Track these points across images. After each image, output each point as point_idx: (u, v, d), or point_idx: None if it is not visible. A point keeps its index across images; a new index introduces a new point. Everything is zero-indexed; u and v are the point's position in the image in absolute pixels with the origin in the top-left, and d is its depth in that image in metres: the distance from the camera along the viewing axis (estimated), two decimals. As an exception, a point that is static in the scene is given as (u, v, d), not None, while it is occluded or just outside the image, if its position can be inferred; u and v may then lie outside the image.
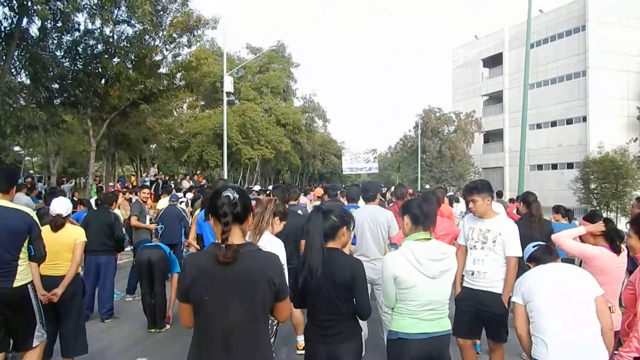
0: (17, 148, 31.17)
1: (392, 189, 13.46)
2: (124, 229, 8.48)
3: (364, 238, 5.06)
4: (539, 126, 44.10)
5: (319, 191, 11.50)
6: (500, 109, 49.42)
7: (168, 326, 6.55)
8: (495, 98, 50.46)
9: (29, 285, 3.81)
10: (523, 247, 4.14)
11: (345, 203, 8.14)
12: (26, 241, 3.78)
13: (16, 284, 3.67)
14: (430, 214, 3.03)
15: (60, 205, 4.64)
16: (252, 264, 2.16)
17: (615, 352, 4.28)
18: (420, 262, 2.86)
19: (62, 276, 4.38)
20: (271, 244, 3.79)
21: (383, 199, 10.48)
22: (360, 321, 3.04)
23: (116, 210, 8.50)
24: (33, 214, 3.90)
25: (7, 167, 3.98)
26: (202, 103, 39.35)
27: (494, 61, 50.13)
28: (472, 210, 4.19)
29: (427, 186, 37.43)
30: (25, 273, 3.77)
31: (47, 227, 4.40)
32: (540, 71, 42.32)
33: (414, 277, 2.86)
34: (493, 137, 51.29)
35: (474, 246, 4.21)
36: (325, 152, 53.01)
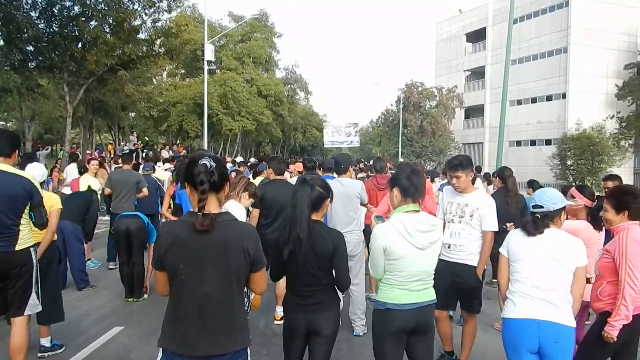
0: (-10, 112, 30.38)
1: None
2: (100, 197, 8.40)
3: (334, 211, 5.07)
4: (519, 102, 44.45)
5: (299, 166, 10.90)
6: (481, 85, 49.57)
7: (146, 296, 6.54)
8: (478, 73, 50.55)
9: (31, 249, 3.80)
10: (499, 221, 4.27)
11: (321, 174, 8.11)
12: (27, 207, 3.74)
13: (18, 247, 3.67)
14: (420, 186, 3.03)
15: (35, 172, 4.54)
16: (228, 234, 2.15)
17: (587, 322, 4.42)
18: (410, 234, 2.88)
19: (37, 243, 4.30)
20: (232, 208, 4.02)
21: (370, 172, 10.29)
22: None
23: (93, 178, 8.39)
24: (35, 180, 3.84)
25: (8, 130, 3.91)
26: (182, 71, 38.63)
27: (477, 36, 50.02)
28: (455, 186, 4.23)
29: (401, 159, 37.57)
30: (27, 237, 3.77)
31: None
32: (522, 47, 42.45)
33: (403, 248, 2.89)
34: (474, 112, 51.60)
35: (452, 220, 4.27)
36: (306, 124, 52.68)
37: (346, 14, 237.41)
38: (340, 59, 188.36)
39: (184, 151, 26.79)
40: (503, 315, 3.14)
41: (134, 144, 22.99)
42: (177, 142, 33.18)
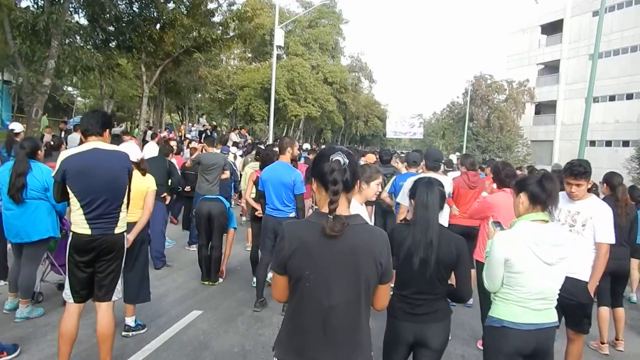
0: (70, 89, 31.83)
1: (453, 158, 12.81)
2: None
3: None
4: (595, 100, 41.80)
5: (371, 157, 10.41)
6: (555, 79, 47.05)
7: (221, 280, 6.56)
8: (551, 67, 48.03)
9: (124, 234, 3.69)
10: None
11: (403, 169, 7.83)
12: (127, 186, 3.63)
13: (117, 230, 3.57)
14: (554, 194, 2.71)
15: (132, 151, 4.45)
16: (359, 240, 1.92)
17: None
18: (539, 245, 2.60)
19: (134, 223, 4.31)
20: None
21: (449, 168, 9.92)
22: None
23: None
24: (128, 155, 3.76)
25: (100, 110, 3.78)
26: (250, 55, 39.06)
27: (553, 28, 47.42)
28: (573, 195, 3.88)
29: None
30: (123, 221, 3.64)
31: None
32: (602, 41, 39.75)
33: (528, 261, 2.61)
34: (545, 108, 49.15)
35: (560, 228, 3.93)
36: (369, 113, 52.26)
37: (414, 2, 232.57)
38: (405, 48, 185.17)
39: (247, 134, 27.10)
40: None
41: (203, 126, 23.45)
42: (241, 125, 33.65)
